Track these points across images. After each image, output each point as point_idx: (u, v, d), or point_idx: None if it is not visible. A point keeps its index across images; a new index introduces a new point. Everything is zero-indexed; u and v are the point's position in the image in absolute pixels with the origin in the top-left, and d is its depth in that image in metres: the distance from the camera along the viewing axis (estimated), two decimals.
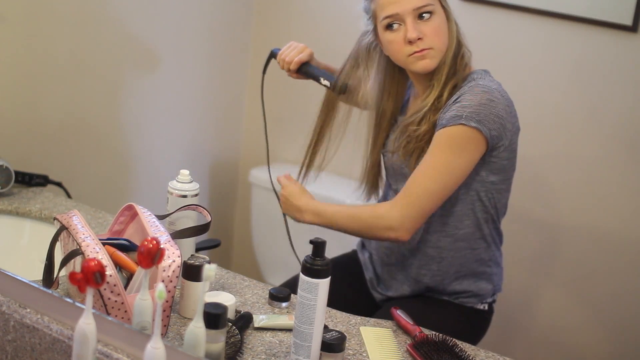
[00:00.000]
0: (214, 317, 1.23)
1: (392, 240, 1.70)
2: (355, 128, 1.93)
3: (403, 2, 1.67)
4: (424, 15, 1.67)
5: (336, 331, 1.40)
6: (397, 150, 1.78)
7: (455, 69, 1.71)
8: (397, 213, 1.67)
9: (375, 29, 1.75)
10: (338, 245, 2.14)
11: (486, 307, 1.85)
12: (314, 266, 1.33)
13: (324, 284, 1.34)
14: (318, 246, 1.34)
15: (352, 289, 1.94)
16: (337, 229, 1.78)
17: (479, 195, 1.74)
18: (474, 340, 1.85)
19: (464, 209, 1.75)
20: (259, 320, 1.51)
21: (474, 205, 1.75)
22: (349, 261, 1.99)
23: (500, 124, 1.65)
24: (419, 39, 1.67)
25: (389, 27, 1.70)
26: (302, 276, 1.34)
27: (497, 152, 1.69)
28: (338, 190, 2.52)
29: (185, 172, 1.65)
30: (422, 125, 1.71)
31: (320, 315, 1.34)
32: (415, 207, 1.67)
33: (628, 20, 2.13)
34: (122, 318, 1.37)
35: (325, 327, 1.42)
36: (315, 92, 2.75)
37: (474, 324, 1.85)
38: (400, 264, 1.85)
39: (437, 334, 1.51)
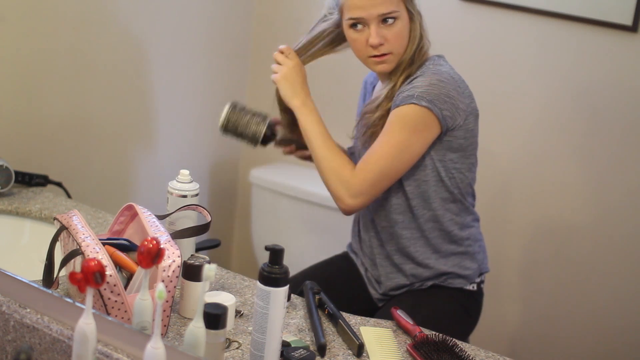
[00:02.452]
0: (214, 317, 1.23)
1: (338, 206, 1.77)
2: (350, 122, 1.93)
3: (369, 8, 1.71)
4: (388, 20, 1.72)
5: (304, 348, 1.39)
6: (357, 138, 1.84)
7: (412, 60, 1.77)
8: (354, 189, 1.72)
9: (340, 20, 1.79)
10: (332, 247, 2.14)
11: (475, 288, 1.87)
12: (270, 274, 1.31)
13: (277, 293, 1.31)
14: (275, 253, 1.32)
15: (350, 287, 1.94)
16: (306, 143, 1.81)
17: (440, 176, 1.78)
18: (469, 324, 1.88)
19: (428, 190, 1.79)
20: None
21: (437, 186, 1.79)
22: (343, 261, 2.00)
23: (451, 104, 1.71)
24: (380, 44, 1.72)
25: (353, 26, 1.75)
26: (257, 283, 1.33)
27: (452, 132, 1.74)
28: None
29: (185, 172, 1.65)
30: (377, 112, 1.77)
31: (274, 326, 1.32)
32: (369, 186, 1.73)
33: (628, 20, 2.13)
34: (122, 318, 1.37)
35: (289, 344, 1.42)
36: (316, 92, 2.75)
37: (466, 306, 1.87)
38: (383, 255, 1.87)
39: (437, 334, 1.52)
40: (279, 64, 1.85)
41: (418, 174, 1.78)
